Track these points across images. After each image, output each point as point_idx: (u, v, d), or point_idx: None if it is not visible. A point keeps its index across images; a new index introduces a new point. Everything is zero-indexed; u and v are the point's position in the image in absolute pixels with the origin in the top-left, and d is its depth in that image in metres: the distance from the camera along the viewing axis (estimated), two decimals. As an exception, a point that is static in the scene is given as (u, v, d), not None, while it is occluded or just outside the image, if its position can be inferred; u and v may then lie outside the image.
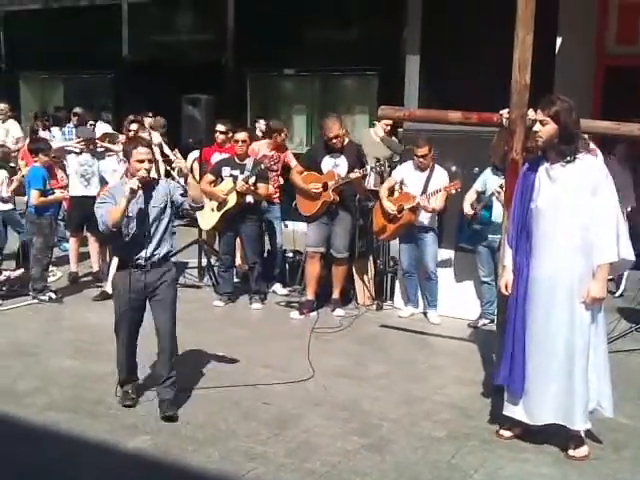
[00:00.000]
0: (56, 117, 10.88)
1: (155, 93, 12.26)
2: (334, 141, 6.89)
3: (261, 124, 10.06)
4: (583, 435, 4.29)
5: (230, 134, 8.03)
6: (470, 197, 6.64)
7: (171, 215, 4.81)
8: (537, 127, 4.20)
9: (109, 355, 5.16)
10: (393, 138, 8.75)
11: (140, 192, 4.57)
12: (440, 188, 6.72)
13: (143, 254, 4.67)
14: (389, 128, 8.46)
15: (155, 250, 4.71)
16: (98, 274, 8.10)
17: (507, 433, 4.47)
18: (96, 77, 14.44)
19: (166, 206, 4.75)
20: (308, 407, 4.91)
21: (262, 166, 7.28)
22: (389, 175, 7.31)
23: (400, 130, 8.49)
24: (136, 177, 4.56)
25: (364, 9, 11.69)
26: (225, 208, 7.22)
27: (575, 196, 4.11)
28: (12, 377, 5.33)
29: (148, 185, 4.65)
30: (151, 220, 4.68)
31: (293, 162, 7.94)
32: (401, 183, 7.05)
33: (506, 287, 4.40)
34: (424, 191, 6.81)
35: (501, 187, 5.75)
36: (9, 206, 7.99)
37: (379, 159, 7.23)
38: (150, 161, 4.70)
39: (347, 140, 7.12)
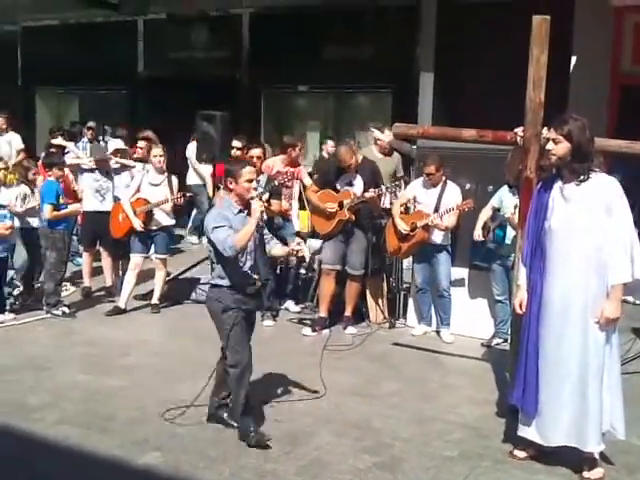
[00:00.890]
0: (71, 132, 10.94)
1: (170, 109, 12.36)
2: (349, 169, 6.95)
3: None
4: (597, 457, 4.25)
5: (245, 150, 8.07)
6: (486, 214, 6.61)
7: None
8: (550, 145, 4.19)
9: (121, 370, 5.18)
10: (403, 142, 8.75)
11: (237, 212, 4.59)
12: (452, 207, 6.71)
13: (254, 278, 4.70)
14: (387, 147, 8.42)
15: (252, 269, 4.71)
16: (111, 289, 8.14)
17: (521, 454, 4.43)
18: (111, 93, 14.54)
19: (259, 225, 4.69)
20: (320, 425, 4.89)
21: (276, 182, 7.29)
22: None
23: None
24: (255, 197, 4.56)
25: (378, 26, 11.73)
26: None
27: (589, 216, 4.09)
28: (24, 391, 5.34)
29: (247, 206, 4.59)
30: (257, 242, 4.73)
31: (306, 178, 7.95)
32: (413, 200, 7.05)
33: (520, 306, 4.38)
34: (436, 208, 6.80)
35: (515, 207, 5.73)
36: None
37: (396, 179, 7.25)
38: (256, 181, 4.72)
39: (361, 158, 7.13)
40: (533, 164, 4.69)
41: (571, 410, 4.15)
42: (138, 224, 7.40)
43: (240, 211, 4.58)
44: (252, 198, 4.54)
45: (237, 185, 4.56)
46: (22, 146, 10.83)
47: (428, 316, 7.20)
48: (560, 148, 4.14)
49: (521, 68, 4.83)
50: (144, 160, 8.22)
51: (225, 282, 4.63)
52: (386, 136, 8.22)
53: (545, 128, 4.59)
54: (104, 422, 4.84)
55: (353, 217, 6.93)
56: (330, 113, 12.65)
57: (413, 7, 11.13)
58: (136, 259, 7.57)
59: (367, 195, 6.82)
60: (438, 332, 7.11)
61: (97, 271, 8.39)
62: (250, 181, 4.55)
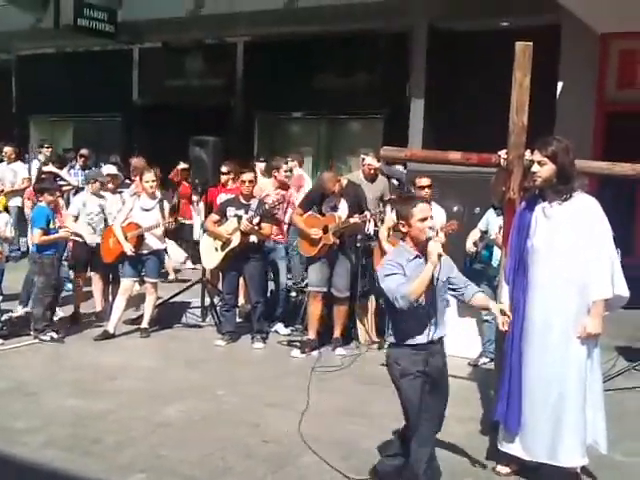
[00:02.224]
0: (64, 158, 11.03)
1: (164, 136, 12.47)
2: (333, 195, 7.05)
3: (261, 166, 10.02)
4: (579, 471, 4.27)
5: (232, 175, 8.17)
6: (474, 236, 6.69)
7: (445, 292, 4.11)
8: (535, 168, 4.25)
9: (109, 394, 5.19)
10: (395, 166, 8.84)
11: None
12: (437, 230, 6.74)
13: (427, 333, 3.98)
14: (373, 172, 8.50)
15: (437, 329, 4.02)
16: (101, 314, 8.15)
17: (504, 469, 4.45)
18: (106, 120, 14.66)
19: (447, 280, 4.07)
20: (307, 445, 4.89)
21: (266, 206, 7.36)
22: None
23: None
24: (432, 237, 3.90)
25: (370, 54, 11.91)
26: (228, 248, 7.29)
27: (571, 234, 4.16)
28: (11, 416, 5.32)
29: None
30: (436, 293, 3.99)
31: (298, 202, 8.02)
32: None
33: (503, 324, 4.41)
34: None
35: (500, 228, 5.78)
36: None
37: (383, 203, 7.31)
38: (431, 218, 4.01)
39: (346, 182, 7.21)
40: (516, 186, 4.75)
41: (553, 425, 4.18)
42: (129, 248, 7.45)
43: (417, 257, 3.95)
44: (429, 239, 3.91)
45: (410, 227, 3.98)
46: (27, 175, 10.90)
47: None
48: (545, 170, 4.20)
49: (507, 93, 4.92)
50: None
51: (401, 339, 4.03)
52: (376, 161, 8.32)
53: (528, 151, 4.66)
54: (90, 446, 4.83)
55: (338, 241, 6.98)
56: (323, 139, 12.78)
57: (404, 35, 11.30)
58: (126, 283, 7.60)
59: (352, 221, 6.89)
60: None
61: (87, 296, 8.40)
62: (424, 220, 3.94)
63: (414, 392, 4.03)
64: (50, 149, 11.18)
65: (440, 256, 3.83)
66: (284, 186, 8.23)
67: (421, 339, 3.96)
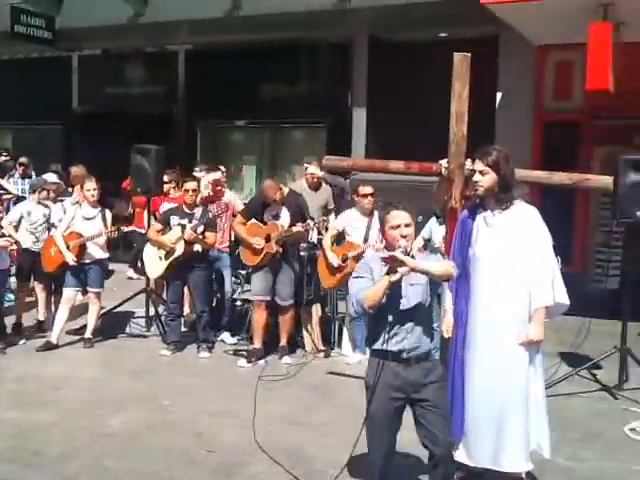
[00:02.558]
0: (2, 167, 10.80)
1: (105, 144, 12.32)
2: (275, 203, 7.08)
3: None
4: (524, 477, 4.36)
5: (173, 184, 8.15)
6: (417, 244, 6.76)
7: (433, 297, 3.88)
8: (477, 177, 4.29)
9: (51, 405, 5.12)
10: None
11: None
12: (376, 240, 6.85)
13: (404, 345, 3.77)
14: (316, 180, 8.58)
15: (417, 341, 3.79)
16: (43, 325, 8.01)
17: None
18: (46, 128, 14.41)
19: (427, 284, 3.81)
20: (253, 454, 4.90)
21: (210, 215, 7.34)
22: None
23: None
24: (398, 252, 3.57)
25: (313, 63, 11.99)
26: (172, 257, 7.26)
27: (512, 243, 4.23)
28: (-50, 429, 5.22)
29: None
30: (412, 302, 3.77)
31: (239, 207, 8.00)
32: (343, 232, 7.18)
33: (447, 330, 4.50)
34: (366, 238, 6.95)
35: (443, 237, 5.91)
36: None
37: (327, 212, 7.37)
38: (408, 225, 3.75)
39: (287, 190, 7.25)
40: (458, 194, 4.86)
41: (496, 431, 4.24)
42: (70, 258, 7.35)
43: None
44: (399, 247, 3.63)
45: (385, 234, 3.85)
46: None
47: (362, 344, 7.28)
48: (487, 179, 4.26)
49: (447, 103, 5.02)
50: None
51: (369, 345, 3.91)
52: (319, 170, 8.39)
53: (468, 160, 4.77)
54: (33, 458, 4.77)
55: (280, 250, 7.01)
56: (266, 148, 12.77)
57: (346, 44, 11.41)
58: (69, 293, 7.50)
59: (294, 230, 6.92)
60: (372, 361, 7.19)
61: (30, 306, 8.25)
62: (396, 227, 3.73)
63: (374, 405, 3.86)
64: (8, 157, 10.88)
65: (402, 274, 3.57)
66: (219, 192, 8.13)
67: (386, 346, 3.74)
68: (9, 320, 8.11)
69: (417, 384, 3.78)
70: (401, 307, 3.73)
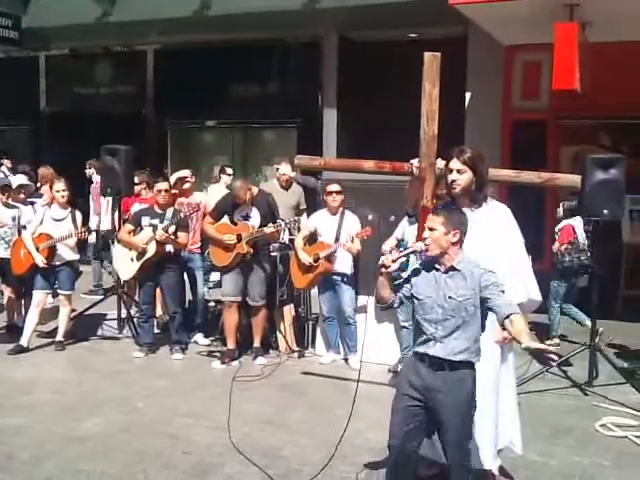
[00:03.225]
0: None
1: (74, 145, 12.22)
2: (244, 204, 7.07)
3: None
4: (496, 472, 4.40)
5: (144, 185, 8.12)
6: (389, 244, 6.80)
7: (480, 311, 3.77)
8: (454, 176, 4.29)
9: (22, 409, 5.08)
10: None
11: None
12: (352, 236, 6.88)
13: (430, 346, 3.81)
14: (287, 180, 8.60)
15: (438, 345, 3.77)
16: (13, 328, 7.92)
17: (425, 472, 4.55)
18: (13, 129, 14.25)
19: (476, 294, 3.73)
20: (228, 455, 4.90)
21: (182, 215, 7.32)
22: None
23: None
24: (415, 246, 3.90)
25: (283, 63, 12.01)
26: (144, 258, 7.21)
27: (484, 240, 4.25)
28: None
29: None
30: (447, 314, 3.76)
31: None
32: (315, 232, 7.20)
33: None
34: (337, 237, 6.99)
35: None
36: None
37: (298, 212, 7.39)
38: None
39: (257, 190, 7.25)
40: (429, 193, 4.87)
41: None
42: (40, 260, 7.28)
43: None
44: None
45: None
46: None
47: (336, 344, 7.33)
48: (464, 178, 4.27)
49: (418, 103, 5.06)
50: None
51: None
52: (291, 171, 8.41)
53: (439, 159, 4.81)
54: (5, 461, 4.72)
55: (251, 250, 7.00)
56: (237, 148, 12.76)
57: (315, 44, 11.44)
58: (39, 296, 7.42)
59: (266, 230, 6.90)
60: (346, 360, 7.24)
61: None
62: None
63: (395, 403, 3.96)
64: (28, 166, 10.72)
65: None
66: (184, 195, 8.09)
67: (419, 348, 3.83)
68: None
69: (433, 390, 3.77)
70: (435, 316, 3.78)
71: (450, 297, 3.77)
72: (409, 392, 3.87)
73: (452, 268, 3.82)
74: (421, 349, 3.83)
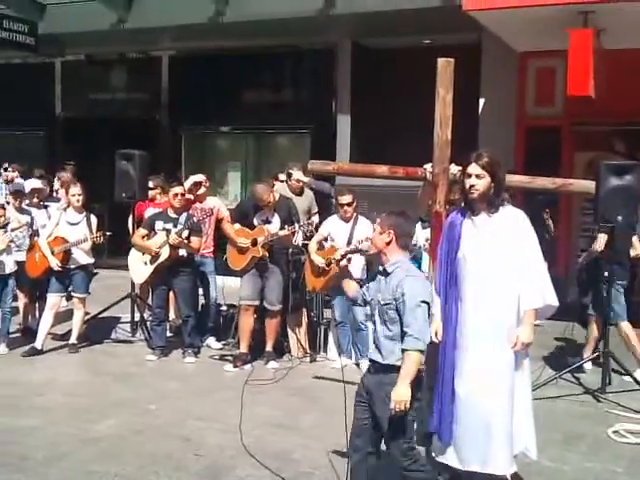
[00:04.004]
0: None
1: (89, 151, 12.31)
2: (267, 207, 7.11)
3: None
4: (510, 478, 4.39)
5: (159, 189, 8.17)
6: None
7: (399, 317, 3.91)
8: (473, 180, 4.24)
9: (36, 410, 5.12)
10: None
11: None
12: (365, 237, 6.88)
13: (371, 349, 4.07)
14: (301, 184, 8.63)
15: (377, 349, 4.00)
16: (28, 331, 7.98)
17: (439, 478, 4.54)
18: (29, 135, 14.36)
19: (396, 301, 3.90)
20: (240, 458, 4.91)
21: (194, 219, 7.36)
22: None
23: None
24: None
25: (297, 69, 12.08)
26: (158, 261, 7.25)
27: (500, 245, 4.24)
28: (-64, 434, 5.20)
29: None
30: (377, 310, 3.99)
31: (225, 212, 8.00)
32: (328, 237, 7.22)
33: (436, 334, 4.51)
34: (349, 242, 7.00)
35: (427, 240, 5.95)
36: None
37: (310, 216, 7.40)
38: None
39: (278, 195, 7.30)
40: (442, 198, 4.89)
41: (484, 435, 4.24)
42: (55, 263, 7.34)
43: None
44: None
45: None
46: None
47: (348, 349, 7.33)
48: (483, 183, 4.23)
49: (431, 109, 5.07)
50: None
51: None
52: (303, 175, 8.43)
53: (453, 164, 4.82)
54: (19, 462, 4.76)
55: (267, 254, 7.03)
56: (251, 154, 12.80)
57: (329, 51, 11.48)
58: (53, 299, 7.48)
59: (281, 233, 6.95)
60: (358, 364, 7.24)
61: (14, 312, 8.20)
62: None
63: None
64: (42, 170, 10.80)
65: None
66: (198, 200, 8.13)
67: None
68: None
69: (370, 392, 4.05)
70: (375, 318, 4.01)
71: (379, 300, 3.92)
72: (360, 391, 4.14)
73: (385, 270, 3.95)
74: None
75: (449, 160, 4.87)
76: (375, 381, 4.03)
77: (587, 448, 5.27)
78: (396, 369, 3.89)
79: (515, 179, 5.02)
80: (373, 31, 10.64)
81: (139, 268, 7.46)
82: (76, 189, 7.62)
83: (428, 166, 4.93)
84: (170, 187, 7.61)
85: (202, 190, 8.05)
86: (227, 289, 8.29)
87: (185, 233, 7.22)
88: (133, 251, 7.59)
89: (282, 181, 8.89)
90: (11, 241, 7.49)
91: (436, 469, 4.36)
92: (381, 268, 4.01)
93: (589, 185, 5.12)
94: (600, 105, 8.13)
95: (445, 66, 4.85)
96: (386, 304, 3.90)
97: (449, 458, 4.37)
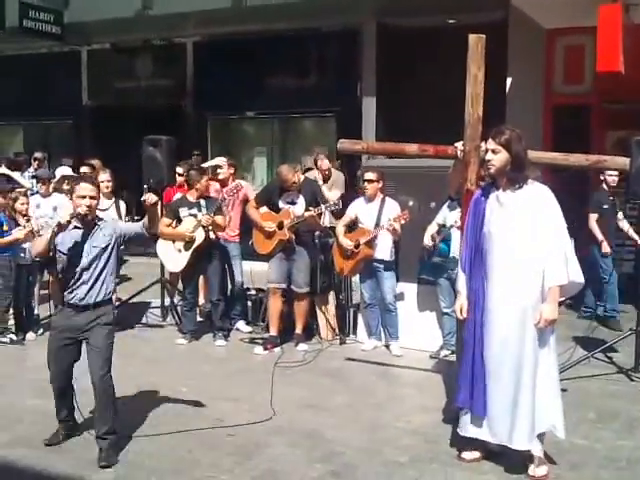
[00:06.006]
0: (16, 162, 10.84)
1: (116, 139, 12.37)
2: (291, 188, 7.09)
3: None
4: (542, 455, 4.38)
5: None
6: (431, 229, 6.77)
7: (115, 257, 4.69)
8: (489, 156, 4.33)
9: (79, 393, 5.14)
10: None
11: (72, 228, 4.55)
12: (390, 219, 6.86)
13: (78, 293, 4.57)
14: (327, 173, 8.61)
15: (89, 291, 4.59)
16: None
17: (469, 455, 4.54)
18: (56, 123, 14.49)
19: (108, 246, 4.61)
20: (272, 437, 4.94)
21: (219, 202, 7.40)
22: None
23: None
24: (69, 212, 4.52)
25: (321, 52, 12.03)
26: (194, 245, 7.24)
27: (525, 221, 4.25)
28: (-27, 416, 5.28)
29: (88, 224, 4.58)
30: (88, 260, 4.56)
31: (252, 196, 8.01)
32: (356, 219, 7.20)
33: (461, 311, 4.51)
34: (377, 224, 6.97)
35: (455, 222, 5.92)
36: None
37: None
38: (92, 198, 4.57)
39: (303, 177, 7.28)
40: (473, 176, 4.86)
41: (511, 409, 4.27)
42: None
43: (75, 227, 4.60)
44: (77, 214, 4.54)
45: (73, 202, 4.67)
46: None
47: (377, 331, 7.33)
48: (499, 158, 4.29)
49: (457, 88, 5.03)
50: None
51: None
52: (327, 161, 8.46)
53: (484, 142, 4.78)
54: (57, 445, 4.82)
55: (293, 236, 7.03)
56: (276, 138, 12.80)
57: (353, 32, 11.41)
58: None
59: (307, 214, 6.94)
60: (387, 346, 7.23)
61: (45, 297, 8.29)
62: (82, 197, 4.54)
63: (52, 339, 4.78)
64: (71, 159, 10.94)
65: (60, 225, 4.46)
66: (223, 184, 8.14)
67: (69, 296, 4.60)
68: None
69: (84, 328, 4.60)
70: (80, 264, 4.55)
71: None
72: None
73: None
74: None
75: (480, 138, 4.83)
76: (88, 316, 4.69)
77: (620, 427, 5.22)
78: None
79: (548, 156, 4.98)
80: (398, 11, 10.56)
81: (173, 256, 7.40)
82: (105, 175, 7.68)
83: (459, 144, 4.91)
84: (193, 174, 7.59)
85: (224, 173, 8.04)
86: (255, 274, 8.30)
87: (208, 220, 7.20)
88: (161, 241, 7.56)
89: (310, 169, 8.91)
90: (35, 231, 7.52)
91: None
92: None
93: (623, 161, 5.05)
94: (631, 82, 7.99)
95: (476, 42, 4.80)
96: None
97: (481, 433, 4.39)
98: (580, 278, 4.33)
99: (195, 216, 7.26)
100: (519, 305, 4.25)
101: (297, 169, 7.27)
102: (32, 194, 8.22)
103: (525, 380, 4.24)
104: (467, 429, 4.47)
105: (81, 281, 4.57)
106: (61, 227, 4.48)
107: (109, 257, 4.63)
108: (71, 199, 4.77)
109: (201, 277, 7.68)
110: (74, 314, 4.61)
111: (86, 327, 4.61)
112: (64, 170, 8.91)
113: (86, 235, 4.59)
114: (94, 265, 4.58)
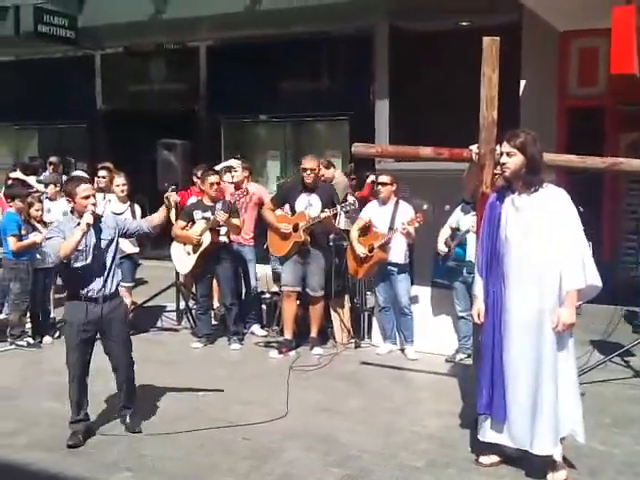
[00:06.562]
0: (31, 166, 10.90)
1: (129, 142, 12.41)
2: (307, 173, 7.04)
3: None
4: (560, 460, 4.35)
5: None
6: (445, 233, 6.76)
7: (117, 248, 5.07)
8: (504, 159, 4.33)
9: (89, 396, 5.17)
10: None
11: (75, 226, 4.82)
12: (403, 222, 6.85)
13: (94, 287, 4.88)
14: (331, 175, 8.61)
15: (105, 283, 4.92)
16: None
17: (486, 460, 4.52)
18: (71, 128, 14.56)
19: (113, 239, 5.01)
20: (287, 441, 4.94)
21: (232, 200, 7.45)
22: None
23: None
24: (89, 212, 4.77)
25: (334, 56, 12.02)
26: (201, 249, 7.28)
27: (541, 224, 4.23)
28: (-9, 419, 5.31)
29: (95, 220, 4.87)
30: (100, 253, 4.90)
31: (267, 198, 8.01)
32: (369, 223, 7.20)
33: (478, 316, 4.50)
34: (391, 227, 6.96)
35: (472, 226, 5.90)
36: None
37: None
38: (94, 196, 4.94)
39: (325, 174, 7.26)
40: (489, 179, 4.84)
41: (531, 413, 4.26)
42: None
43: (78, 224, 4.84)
44: (94, 212, 4.86)
45: (75, 203, 4.91)
46: None
47: (392, 334, 7.32)
48: (514, 161, 4.28)
49: (470, 91, 5.02)
50: (105, 190, 8.20)
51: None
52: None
53: (499, 145, 4.77)
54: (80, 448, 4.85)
55: (309, 239, 7.03)
56: (290, 142, 12.82)
57: (366, 36, 11.41)
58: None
59: (322, 215, 6.93)
60: (403, 350, 7.22)
61: (61, 301, 8.32)
62: (87, 197, 4.84)
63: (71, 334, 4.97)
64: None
65: (89, 225, 4.71)
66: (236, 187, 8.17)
67: (88, 290, 4.87)
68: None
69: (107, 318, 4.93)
70: (94, 258, 4.87)
71: None
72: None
73: None
74: None
75: (495, 141, 4.82)
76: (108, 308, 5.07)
77: (638, 432, 5.18)
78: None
79: (564, 158, 4.96)
80: (410, 14, 10.54)
81: (182, 258, 7.49)
82: (120, 179, 7.70)
83: (474, 147, 4.89)
84: (206, 176, 7.62)
85: (237, 176, 8.05)
86: (269, 277, 8.31)
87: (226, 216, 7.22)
88: (175, 243, 7.61)
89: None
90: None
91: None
92: None
93: (639, 164, 5.01)
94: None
95: (490, 44, 4.79)
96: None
97: (502, 438, 4.37)
98: (598, 281, 4.31)
99: (208, 219, 7.27)
100: (537, 309, 4.23)
101: (322, 162, 7.25)
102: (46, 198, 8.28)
103: (545, 384, 4.22)
104: (487, 434, 4.45)
105: (96, 274, 4.87)
106: (89, 227, 4.75)
107: (115, 249, 5.03)
108: (71, 201, 4.97)
109: (215, 281, 7.69)
110: (93, 306, 4.88)
111: (105, 318, 4.93)
112: (79, 174, 8.93)
113: (95, 231, 4.88)
114: (105, 258, 4.93)
